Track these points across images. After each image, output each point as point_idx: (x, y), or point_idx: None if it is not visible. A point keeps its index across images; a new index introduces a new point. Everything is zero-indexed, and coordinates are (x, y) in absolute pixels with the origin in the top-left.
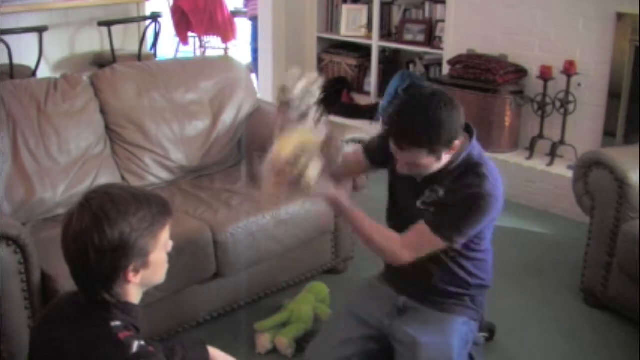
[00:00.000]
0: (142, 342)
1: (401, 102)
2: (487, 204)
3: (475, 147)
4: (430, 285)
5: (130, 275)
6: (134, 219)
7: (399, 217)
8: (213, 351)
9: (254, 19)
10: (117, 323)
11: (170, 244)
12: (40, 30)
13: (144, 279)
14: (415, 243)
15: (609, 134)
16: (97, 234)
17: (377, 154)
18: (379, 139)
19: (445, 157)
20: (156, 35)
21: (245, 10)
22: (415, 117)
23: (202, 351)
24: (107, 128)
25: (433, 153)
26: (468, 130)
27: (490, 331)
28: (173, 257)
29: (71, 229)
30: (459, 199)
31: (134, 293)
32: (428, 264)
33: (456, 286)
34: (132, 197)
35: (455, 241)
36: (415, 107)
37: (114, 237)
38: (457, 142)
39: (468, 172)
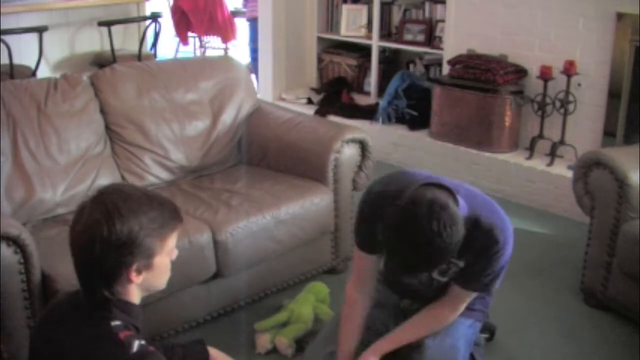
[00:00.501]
0: (143, 342)
1: (405, 231)
2: (509, 249)
3: (462, 206)
4: (438, 295)
5: (133, 275)
6: (144, 218)
7: (402, 281)
8: (213, 351)
9: (252, 21)
10: (117, 322)
11: (175, 253)
12: (40, 30)
13: (145, 281)
14: (459, 307)
15: (609, 134)
16: (107, 227)
17: (371, 244)
18: (360, 228)
19: None
20: (156, 35)
21: (244, 10)
22: (427, 255)
23: (202, 351)
24: (107, 128)
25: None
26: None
27: (490, 332)
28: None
29: (82, 220)
30: (484, 263)
31: (134, 293)
32: (441, 284)
33: None
34: (146, 197)
35: (494, 288)
36: (425, 243)
37: (122, 232)
38: None
39: (472, 232)
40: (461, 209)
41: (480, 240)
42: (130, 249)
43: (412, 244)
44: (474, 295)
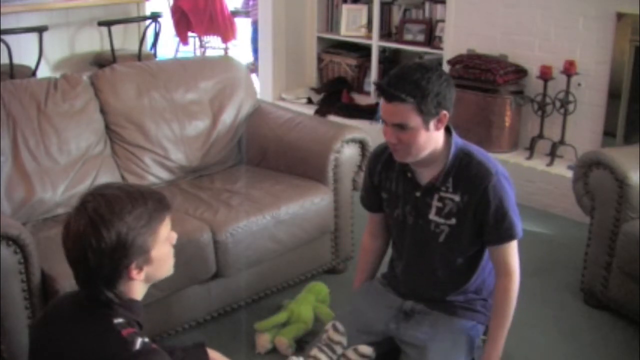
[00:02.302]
0: (146, 339)
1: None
2: (505, 182)
3: (458, 139)
4: (443, 293)
5: (134, 273)
6: (129, 217)
7: (412, 238)
8: (213, 354)
9: (256, 23)
10: (119, 320)
11: (174, 236)
12: (40, 30)
13: (148, 274)
14: (511, 268)
15: (609, 134)
16: (94, 237)
17: (372, 203)
18: (364, 192)
19: (435, 137)
20: (156, 35)
21: (244, 10)
22: (408, 69)
23: (202, 354)
24: (107, 128)
25: (422, 113)
26: (447, 130)
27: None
28: (174, 256)
29: (70, 234)
30: (481, 197)
31: (138, 289)
32: (443, 276)
33: (473, 292)
34: (128, 196)
35: (520, 231)
36: (411, 64)
37: (111, 238)
38: (445, 114)
39: (466, 165)
40: (455, 141)
41: (474, 171)
42: (123, 252)
43: (411, 65)
44: (512, 245)
